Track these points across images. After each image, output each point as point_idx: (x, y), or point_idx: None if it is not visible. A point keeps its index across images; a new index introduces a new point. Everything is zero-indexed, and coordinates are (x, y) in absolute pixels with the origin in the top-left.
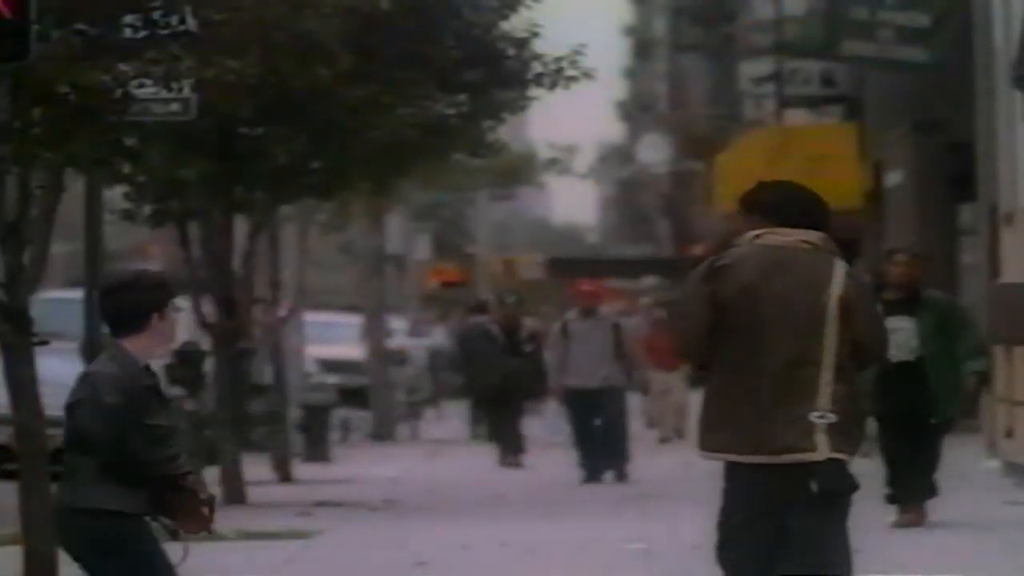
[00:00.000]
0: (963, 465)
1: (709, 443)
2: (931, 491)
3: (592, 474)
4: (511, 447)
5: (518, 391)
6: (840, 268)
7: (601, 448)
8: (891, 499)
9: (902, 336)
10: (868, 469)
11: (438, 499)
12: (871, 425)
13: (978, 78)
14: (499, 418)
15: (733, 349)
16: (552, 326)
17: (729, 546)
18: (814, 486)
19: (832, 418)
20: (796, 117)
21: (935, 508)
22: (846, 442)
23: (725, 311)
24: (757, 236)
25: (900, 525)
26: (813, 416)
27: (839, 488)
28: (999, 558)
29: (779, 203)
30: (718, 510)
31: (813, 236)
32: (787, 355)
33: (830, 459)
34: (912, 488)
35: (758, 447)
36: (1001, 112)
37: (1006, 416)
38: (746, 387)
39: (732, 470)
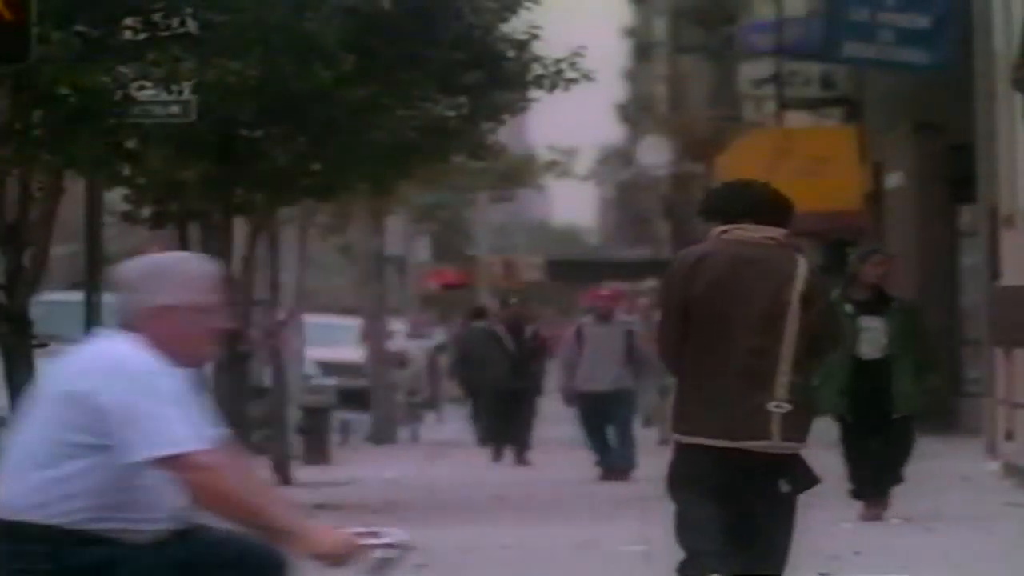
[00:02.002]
0: (964, 467)
1: (681, 427)
2: (897, 479)
3: (609, 470)
4: (521, 445)
5: (528, 391)
6: (803, 264)
7: (611, 449)
8: (855, 495)
9: (872, 335)
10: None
11: (438, 501)
12: (833, 421)
13: (978, 80)
14: (508, 419)
15: (701, 340)
16: (564, 329)
17: (688, 527)
18: (784, 486)
19: (787, 408)
20: (796, 119)
21: (936, 509)
22: (798, 432)
23: (694, 306)
24: (724, 232)
25: (866, 519)
26: (770, 405)
27: (806, 487)
28: (999, 559)
29: (742, 205)
30: (672, 497)
31: (777, 233)
32: (749, 346)
33: (797, 458)
34: (877, 482)
35: (722, 432)
36: (1001, 114)
37: (1006, 418)
38: (712, 376)
39: (693, 454)
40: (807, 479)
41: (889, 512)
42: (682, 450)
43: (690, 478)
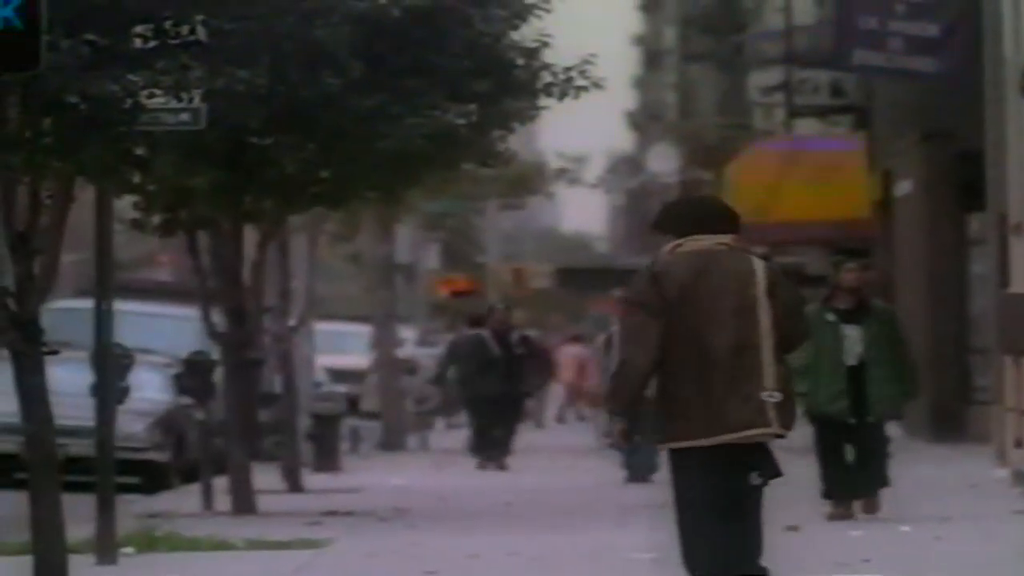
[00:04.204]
0: (973, 474)
1: (669, 434)
2: (883, 481)
3: (634, 474)
4: (497, 450)
5: (514, 396)
6: (759, 262)
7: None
8: (825, 494)
9: (849, 344)
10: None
11: (447, 508)
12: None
13: (987, 87)
14: (491, 424)
15: (679, 346)
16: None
17: (697, 539)
18: (756, 478)
19: (779, 396)
20: (806, 127)
21: (945, 516)
22: (789, 419)
23: (668, 313)
24: (676, 246)
25: (834, 518)
26: (763, 395)
27: (774, 476)
28: (1008, 567)
29: (692, 218)
30: (674, 508)
31: (726, 239)
32: (729, 343)
33: (764, 449)
34: (849, 485)
35: (716, 429)
36: (1010, 121)
37: (1016, 426)
38: (695, 378)
39: (686, 459)
40: (774, 471)
41: (880, 513)
42: (676, 457)
43: (690, 487)
